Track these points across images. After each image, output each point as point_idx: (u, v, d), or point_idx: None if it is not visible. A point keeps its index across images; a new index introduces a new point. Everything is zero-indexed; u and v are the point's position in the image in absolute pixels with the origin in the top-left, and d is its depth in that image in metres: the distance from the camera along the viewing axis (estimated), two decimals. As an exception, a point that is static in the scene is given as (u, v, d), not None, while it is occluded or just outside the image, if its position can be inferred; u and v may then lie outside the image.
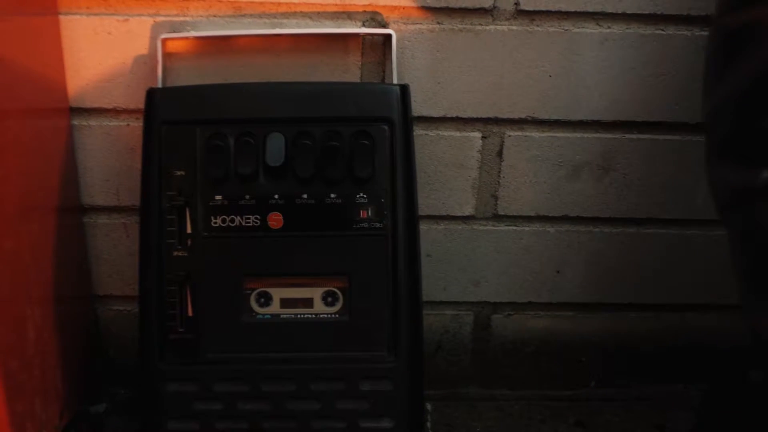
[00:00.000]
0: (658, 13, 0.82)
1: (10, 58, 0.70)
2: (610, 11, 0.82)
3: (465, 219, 0.91)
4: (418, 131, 0.85)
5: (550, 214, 0.91)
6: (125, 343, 0.95)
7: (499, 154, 0.88)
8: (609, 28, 0.83)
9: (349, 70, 0.84)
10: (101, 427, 0.87)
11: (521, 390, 1.00)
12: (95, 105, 0.85)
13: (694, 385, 0.99)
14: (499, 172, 0.89)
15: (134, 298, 0.90)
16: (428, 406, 0.96)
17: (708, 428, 0.73)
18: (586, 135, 0.88)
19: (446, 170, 0.88)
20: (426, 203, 0.88)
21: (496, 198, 0.90)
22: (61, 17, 0.81)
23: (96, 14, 0.81)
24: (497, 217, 0.91)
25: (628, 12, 0.82)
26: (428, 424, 0.93)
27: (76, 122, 0.86)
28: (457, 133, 0.87)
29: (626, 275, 0.95)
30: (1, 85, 0.68)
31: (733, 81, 0.56)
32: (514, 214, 0.91)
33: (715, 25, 0.59)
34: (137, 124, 0.84)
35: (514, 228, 0.92)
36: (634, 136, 0.88)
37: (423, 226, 0.88)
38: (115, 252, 0.91)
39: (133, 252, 0.88)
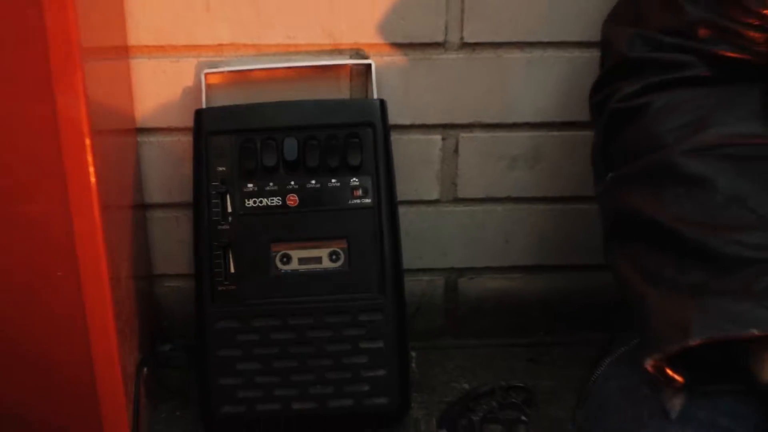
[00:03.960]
0: (566, 40, 0.94)
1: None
2: (531, 40, 0.94)
3: (432, 203, 1.03)
4: (394, 136, 0.95)
5: (498, 196, 1.02)
6: (175, 314, 1.05)
7: (456, 151, 1.00)
8: (531, 53, 0.95)
9: (341, 91, 0.96)
10: (168, 360, 0.98)
11: (485, 339, 1.11)
12: (154, 125, 0.96)
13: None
14: (456, 165, 1.01)
15: (183, 276, 1.02)
16: (412, 354, 1.04)
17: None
18: (519, 134, 0.99)
19: (416, 165, 1.00)
20: (402, 191, 0.96)
21: (455, 185, 1.02)
22: (131, 61, 0.92)
23: (155, 58, 0.93)
24: (457, 200, 1.03)
25: (544, 40, 0.94)
26: (413, 365, 1.04)
27: (140, 139, 0.96)
28: (423, 137, 0.99)
29: (561, 242, 1.06)
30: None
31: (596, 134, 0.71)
32: (470, 197, 1.03)
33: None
34: (186, 139, 0.95)
35: (471, 208, 1.03)
36: (556, 133, 1.00)
37: (401, 209, 0.96)
38: (168, 239, 1.02)
39: (183, 239, 1.01)
